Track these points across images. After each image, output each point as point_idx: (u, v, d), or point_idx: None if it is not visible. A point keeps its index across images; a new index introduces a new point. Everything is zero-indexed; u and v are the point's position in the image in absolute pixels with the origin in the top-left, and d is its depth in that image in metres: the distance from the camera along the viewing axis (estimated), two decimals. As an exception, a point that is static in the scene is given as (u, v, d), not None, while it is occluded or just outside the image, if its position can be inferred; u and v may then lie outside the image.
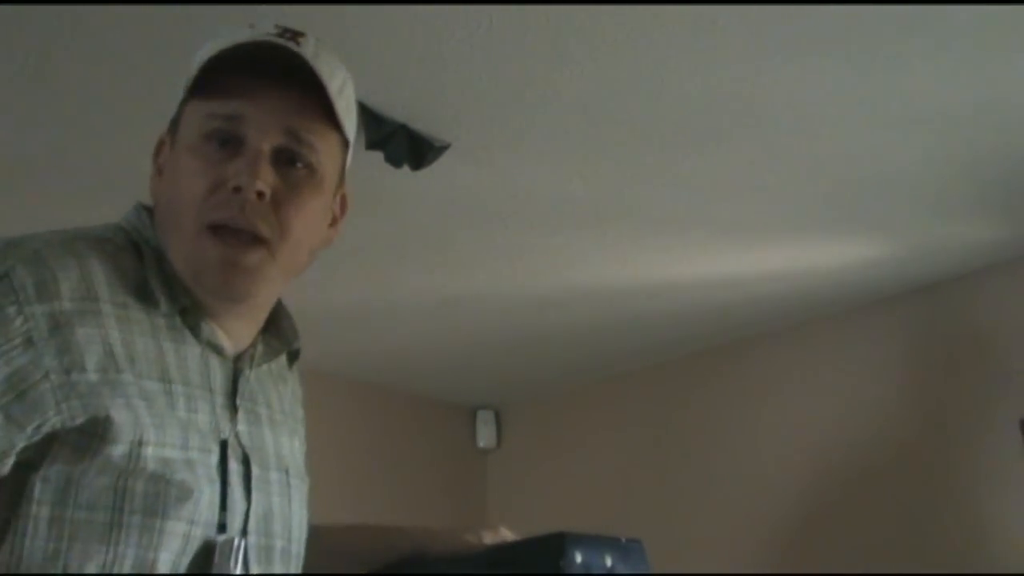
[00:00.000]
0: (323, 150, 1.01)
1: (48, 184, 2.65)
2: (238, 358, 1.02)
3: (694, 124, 2.47)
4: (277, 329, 1.08)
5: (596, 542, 1.01)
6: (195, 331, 0.97)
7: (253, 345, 1.05)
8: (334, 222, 1.08)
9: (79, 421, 0.84)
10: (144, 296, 0.95)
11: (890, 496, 3.48)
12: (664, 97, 2.35)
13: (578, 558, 0.98)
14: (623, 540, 1.04)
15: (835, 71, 2.26)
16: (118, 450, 0.85)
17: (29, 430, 0.83)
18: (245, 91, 0.97)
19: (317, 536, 1.16)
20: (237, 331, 1.02)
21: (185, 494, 0.89)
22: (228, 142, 0.97)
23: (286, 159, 0.98)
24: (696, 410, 4.14)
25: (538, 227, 3.02)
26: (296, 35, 1.01)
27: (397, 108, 2.35)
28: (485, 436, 4.82)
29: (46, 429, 0.84)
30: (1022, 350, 3.28)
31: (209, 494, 0.92)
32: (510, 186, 2.76)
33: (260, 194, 0.95)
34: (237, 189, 0.95)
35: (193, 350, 0.97)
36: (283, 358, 1.11)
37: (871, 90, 2.34)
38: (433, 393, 4.61)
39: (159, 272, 0.97)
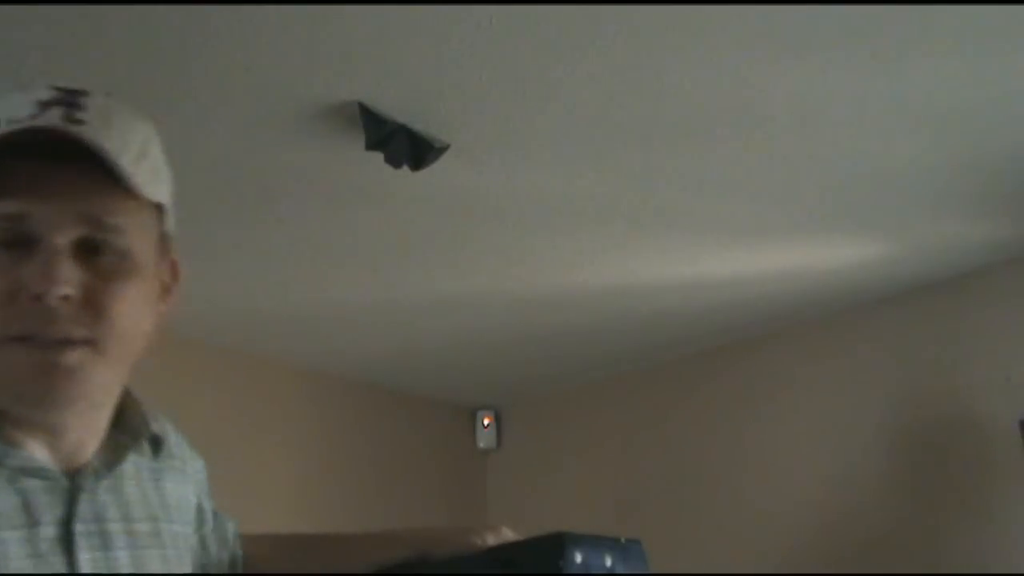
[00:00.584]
0: (131, 228, 0.88)
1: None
2: (77, 474, 0.89)
3: (694, 124, 2.47)
4: (123, 423, 0.95)
5: (596, 542, 1.01)
6: (6, 462, 0.85)
7: (104, 448, 0.93)
8: (166, 291, 0.96)
9: None
10: None
11: (889, 495, 3.48)
12: (664, 97, 2.35)
13: (578, 558, 0.98)
14: (623, 540, 1.04)
15: (835, 71, 2.26)
16: None
17: None
18: (27, 183, 0.84)
19: (317, 544, 1.15)
20: (73, 442, 0.90)
21: None
22: (16, 243, 0.84)
23: (90, 248, 0.86)
24: (696, 410, 4.14)
25: (538, 227, 3.02)
26: (77, 96, 0.88)
27: (397, 108, 2.35)
28: (485, 437, 4.82)
29: None
30: (1022, 350, 3.28)
31: None
32: (510, 186, 2.76)
33: (66, 297, 0.83)
34: (38, 297, 0.82)
35: (2, 486, 0.84)
36: (147, 451, 0.98)
37: (871, 90, 2.34)
38: (433, 393, 4.61)
39: None
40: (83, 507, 0.88)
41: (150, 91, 2.23)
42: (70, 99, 0.86)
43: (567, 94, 2.32)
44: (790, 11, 2.04)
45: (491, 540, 1.10)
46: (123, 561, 0.89)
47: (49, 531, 0.84)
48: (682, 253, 3.22)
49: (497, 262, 3.27)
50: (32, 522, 0.83)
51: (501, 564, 1.05)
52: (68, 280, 0.83)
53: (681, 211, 2.93)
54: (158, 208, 0.92)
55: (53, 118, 0.84)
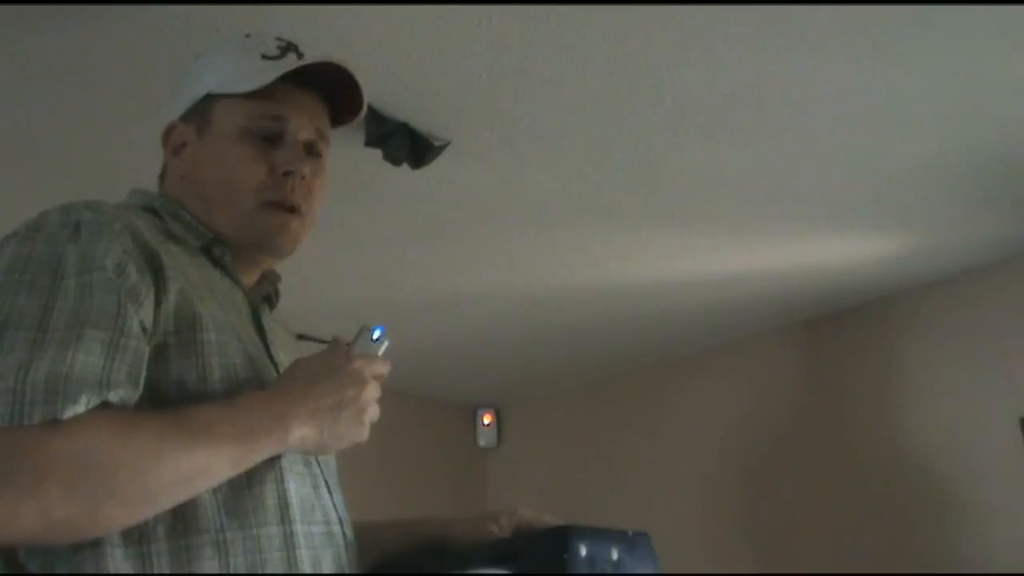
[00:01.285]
0: (329, 141, 1.26)
1: (46, 180, 2.65)
2: (248, 294, 1.22)
3: (694, 123, 2.47)
4: (265, 274, 1.28)
5: (602, 535, 1.01)
6: (222, 261, 1.18)
7: (257, 286, 1.25)
8: None
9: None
10: (173, 238, 1.14)
11: (891, 494, 3.48)
12: (664, 96, 2.35)
13: (583, 551, 0.98)
14: (630, 533, 1.04)
15: (836, 69, 2.26)
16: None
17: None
18: (286, 98, 1.20)
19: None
20: (253, 277, 1.25)
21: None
22: (269, 137, 1.19)
23: (309, 149, 1.22)
24: (696, 409, 4.14)
25: (538, 226, 3.02)
26: (295, 46, 1.24)
27: (398, 107, 2.35)
28: (485, 435, 4.82)
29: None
30: (1022, 350, 3.28)
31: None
32: (510, 185, 2.76)
33: (303, 179, 1.19)
34: (287, 173, 1.18)
35: (224, 282, 1.17)
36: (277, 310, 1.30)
37: (871, 88, 2.34)
38: (434, 392, 4.61)
39: (178, 222, 1.17)
40: (263, 317, 1.21)
41: (150, 89, 2.23)
42: (293, 47, 1.24)
43: (567, 93, 2.33)
44: (793, 9, 2.04)
45: (506, 522, 1.20)
46: (283, 357, 1.17)
47: (251, 322, 1.17)
48: (682, 252, 3.23)
49: (497, 261, 3.27)
50: (242, 314, 1.16)
51: (506, 558, 1.05)
52: (308, 166, 1.20)
53: (681, 210, 2.93)
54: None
55: (294, 58, 1.21)
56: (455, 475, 4.70)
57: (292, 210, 1.19)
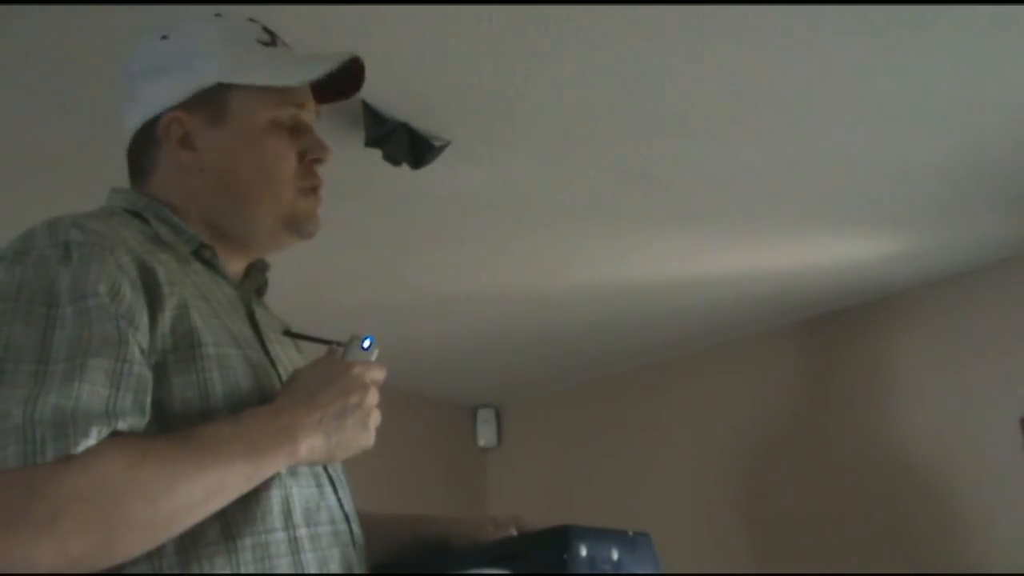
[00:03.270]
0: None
1: (47, 183, 2.65)
2: (238, 288, 1.23)
3: (695, 123, 2.47)
4: (253, 264, 1.30)
5: (602, 535, 1.01)
6: (213, 263, 1.17)
7: (244, 278, 1.26)
8: None
9: None
10: (163, 245, 1.12)
11: (891, 494, 3.48)
12: (665, 96, 2.35)
13: (583, 552, 0.97)
14: (630, 533, 1.04)
15: (837, 68, 2.26)
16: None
17: None
18: (302, 91, 1.25)
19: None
20: (234, 267, 1.25)
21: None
22: (292, 128, 1.23)
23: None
24: (696, 409, 4.14)
25: (538, 227, 3.02)
26: (273, 35, 1.27)
27: (398, 107, 2.35)
28: (485, 435, 4.82)
29: None
30: (1022, 350, 3.28)
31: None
32: (509, 185, 2.76)
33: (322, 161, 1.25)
34: (318, 160, 1.24)
35: (216, 283, 1.16)
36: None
37: (875, 86, 2.34)
38: (433, 392, 4.61)
39: (166, 226, 1.16)
40: (256, 309, 1.22)
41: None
42: (269, 30, 1.28)
43: (567, 93, 2.32)
44: (792, 8, 2.04)
45: (504, 523, 1.21)
46: (279, 351, 1.20)
47: (246, 321, 1.17)
48: (682, 251, 3.22)
49: (497, 261, 3.27)
50: (238, 314, 1.17)
51: (506, 558, 1.04)
52: (329, 152, 1.26)
53: (681, 210, 2.93)
54: None
55: (286, 48, 1.27)
56: (455, 475, 4.70)
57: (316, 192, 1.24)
